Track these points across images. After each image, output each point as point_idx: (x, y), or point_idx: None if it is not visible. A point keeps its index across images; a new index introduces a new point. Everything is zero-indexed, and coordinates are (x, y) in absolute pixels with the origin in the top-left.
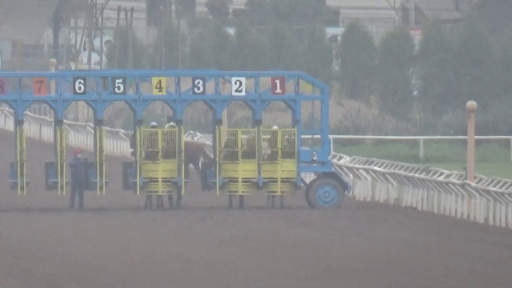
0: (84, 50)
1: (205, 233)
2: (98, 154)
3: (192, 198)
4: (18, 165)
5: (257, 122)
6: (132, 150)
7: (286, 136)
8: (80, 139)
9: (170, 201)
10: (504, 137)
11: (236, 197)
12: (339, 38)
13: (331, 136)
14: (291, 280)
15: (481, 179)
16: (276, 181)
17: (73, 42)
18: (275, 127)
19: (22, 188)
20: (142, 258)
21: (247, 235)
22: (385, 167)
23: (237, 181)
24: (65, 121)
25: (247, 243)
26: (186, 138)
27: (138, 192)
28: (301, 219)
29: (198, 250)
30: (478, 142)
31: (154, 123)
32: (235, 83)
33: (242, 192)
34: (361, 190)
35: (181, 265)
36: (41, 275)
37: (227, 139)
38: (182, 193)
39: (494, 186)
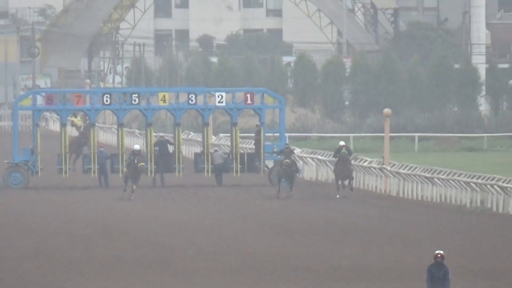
0: (110, 73)
1: (195, 204)
2: (120, 147)
3: (187, 179)
4: (63, 155)
5: (234, 125)
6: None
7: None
8: (107, 137)
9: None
10: (410, 134)
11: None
12: (292, 64)
13: (286, 134)
14: (251, 235)
15: (394, 164)
16: None
17: (102, 67)
18: (342, 142)
19: (65, 172)
20: (148, 221)
21: (225, 204)
22: (325, 156)
23: None
24: (96, 124)
25: (224, 210)
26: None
27: (149, 175)
28: (265, 193)
29: (186, 214)
30: (392, 138)
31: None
32: (218, 96)
33: None
34: (308, 172)
35: (171, 225)
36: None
37: None
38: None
39: (403, 169)
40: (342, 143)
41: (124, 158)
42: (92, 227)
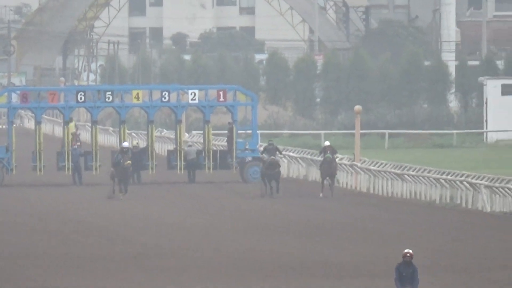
0: (84, 71)
1: (169, 201)
2: (93, 145)
3: (160, 176)
4: (37, 153)
5: (207, 122)
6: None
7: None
8: (81, 135)
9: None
10: (380, 131)
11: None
12: (264, 61)
13: (258, 131)
14: (225, 232)
15: (364, 161)
16: None
17: (76, 65)
18: (327, 143)
19: (40, 170)
20: (123, 218)
21: (199, 201)
22: (297, 153)
23: None
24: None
25: (198, 206)
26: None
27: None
28: (238, 190)
29: (161, 211)
30: (362, 135)
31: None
32: (191, 94)
33: None
34: (280, 169)
35: (146, 222)
36: (55, 231)
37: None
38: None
39: (373, 166)
40: (327, 143)
41: (98, 156)
42: (67, 224)
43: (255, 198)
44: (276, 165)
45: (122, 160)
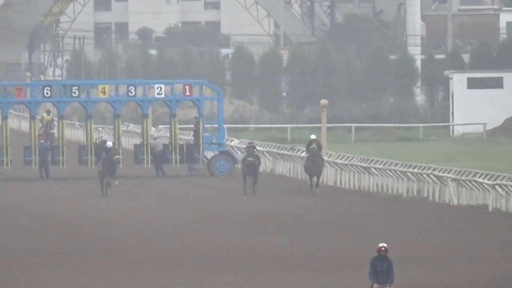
0: (50, 66)
1: (136, 195)
2: (60, 139)
3: (127, 170)
4: (4, 148)
5: (173, 116)
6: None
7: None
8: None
9: None
10: (347, 124)
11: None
12: (230, 56)
13: (225, 125)
14: (191, 226)
15: (331, 154)
16: None
17: (42, 60)
18: (313, 136)
19: (7, 164)
20: (89, 212)
21: (166, 195)
22: (263, 147)
23: None
24: (37, 116)
25: (165, 201)
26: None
27: (89, 167)
28: (205, 184)
29: (127, 205)
30: (329, 129)
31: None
32: (157, 88)
33: None
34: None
35: (112, 216)
36: (23, 227)
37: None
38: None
39: (340, 159)
40: (313, 136)
41: (65, 151)
42: (33, 218)
43: (222, 192)
44: (253, 162)
45: (110, 154)
